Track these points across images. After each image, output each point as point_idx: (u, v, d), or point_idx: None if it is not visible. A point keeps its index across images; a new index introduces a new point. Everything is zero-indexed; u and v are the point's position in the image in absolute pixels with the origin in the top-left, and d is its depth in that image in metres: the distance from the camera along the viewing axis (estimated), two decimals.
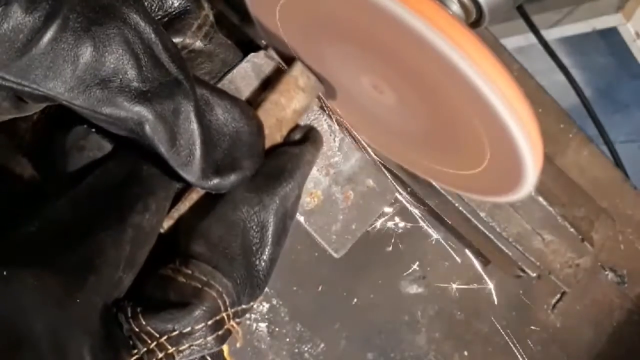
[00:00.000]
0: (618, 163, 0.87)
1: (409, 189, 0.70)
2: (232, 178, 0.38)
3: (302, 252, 0.69)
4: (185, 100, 0.35)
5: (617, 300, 0.83)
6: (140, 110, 0.33)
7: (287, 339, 0.68)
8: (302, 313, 0.69)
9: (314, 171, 0.50)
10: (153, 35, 0.34)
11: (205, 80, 0.41)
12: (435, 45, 0.30)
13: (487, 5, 0.41)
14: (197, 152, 0.36)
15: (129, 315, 0.34)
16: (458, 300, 0.75)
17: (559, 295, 0.79)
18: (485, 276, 0.76)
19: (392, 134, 0.47)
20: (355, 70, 0.41)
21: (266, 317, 0.67)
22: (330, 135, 0.50)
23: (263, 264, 0.40)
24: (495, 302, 0.77)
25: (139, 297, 0.35)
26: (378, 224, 0.71)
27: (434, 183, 0.56)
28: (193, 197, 0.41)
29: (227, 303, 0.37)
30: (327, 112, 0.51)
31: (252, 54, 0.48)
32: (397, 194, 0.55)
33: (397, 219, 0.73)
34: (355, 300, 0.71)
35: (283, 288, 0.68)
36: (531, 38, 0.94)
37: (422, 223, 0.73)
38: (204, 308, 0.35)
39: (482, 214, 0.58)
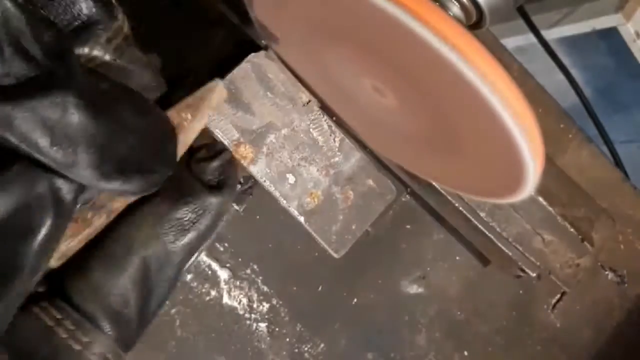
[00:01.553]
0: (618, 163, 0.87)
1: (409, 189, 0.70)
2: (139, 180, 0.34)
3: (302, 252, 0.69)
4: (62, 92, 0.31)
5: (617, 300, 0.83)
6: (4, 108, 0.29)
7: (287, 339, 0.68)
8: (302, 313, 0.69)
9: (314, 171, 0.50)
10: (24, 24, 0.30)
11: (110, 77, 0.37)
12: (433, 48, 0.30)
13: (487, 6, 0.41)
14: (83, 147, 0.31)
15: None
16: (458, 300, 0.75)
17: (559, 295, 0.79)
18: (485, 276, 0.76)
19: (394, 136, 0.47)
20: (355, 72, 0.41)
21: (266, 317, 0.67)
22: (330, 135, 0.50)
23: (151, 316, 0.38)
24: (495, 302, 0.77)
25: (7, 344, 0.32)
26: (378, 224, 0.72)
27: (434, 183, 0.56)
28: (83, 232, 0.37)
29: None
30: (327, 112, 0.51)
31: (252, 54, 0.48)
32: (397, 194, 0.55)
33: (397, 219, 0.73)
34: (355, 300, 0.71)
35: (283, 288, 0.68)
36: (531, 38, 0.93)
37: (422, 223, 0.73)
38: None
39: (482, 214, 0.58)
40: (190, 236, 0.39)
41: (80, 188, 0.33)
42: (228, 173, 0.44)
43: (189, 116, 0.42)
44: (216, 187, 0.42)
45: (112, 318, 0.36)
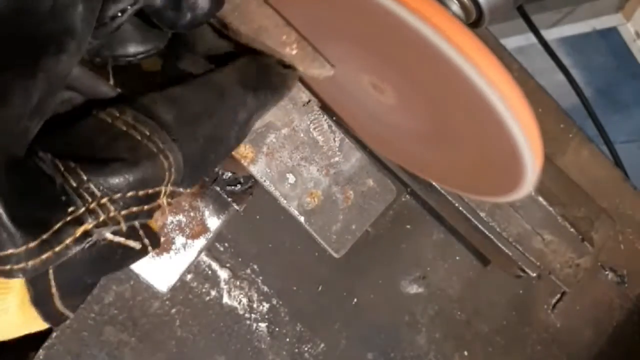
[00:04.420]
0: (618, 163, 0.87)
1: (409, 189, 0.70)
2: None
3: (302, 252, 0.69)
4: None
5: (617, 300, 0.83)
6: None
7: (287, 339, 0.68)
8: (302, 313, 0.69)
9: (314, 171, 0.50)
10: None
11: None
12: (434, 45, 0.30)
13: (487, 5, 0.41)
14: None
15: (62, 168, 0.29)
16: (458, 300, 0.75)
17: (559, 295, 0.79)
18: (485, 276, 0.76)
19: (393, 135, 0.47)
20: (354, 69, 0.41)
21: (266, 317, 0.67)
22: (330, 135, 0.50)
23: (218, 159, 0.37)
24: (495, 302, 0.77)
25: (69, 147, 0.30)
26: (378, 224, 0.72)
27: (434, 183, 0.56)
28: None
29: (172, 179, 0.33)
30: (327, 112, 0.51)
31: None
32: (397, 194, 0.55)
33: (397, 219, 0.73)
34: (355, 300, 0.71)
35: (283, 288, 0.68)
36: (531, 38, 0.93)
37: (422, 223, 0.73)
38: (153, 173, 0.32)
39: (482, 214, 0.58)
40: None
41: None
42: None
43: (293, 51, 0.42)
44: None
45: (185, 130, 0.34)
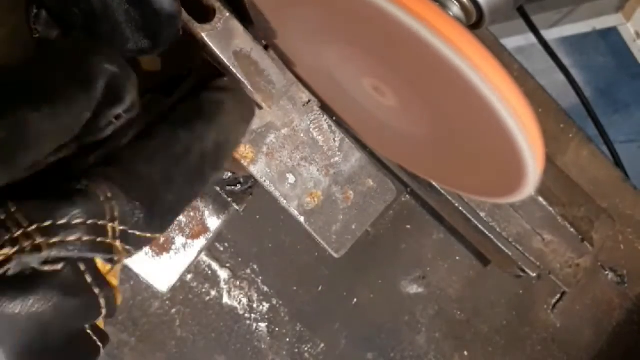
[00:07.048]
0: (618, 163, 0.87)
1: (409, 189, 0.70)
2: None
3: (302, 252, 0.69)
4: None
5: (617, 300, 0.83)
6: None
7: (287, 339, 0.68)
8: (302, 313, 0.69)
9: (314, 171, 0.50)
10: None
11: None
12: (433, 47, 0.30)
13: (488, 7, 0.41)
14: None
15: None
16: (458, 300, 0.75)
17: (559, 295, 0.79)
18: (485, 276, 0.76)
19: (393, 136, 0.47)
20: (355, 72, 0.41)
21: (266, 317, 0.67)
22: (330, 135, 0.50)
23: (171, 197, 0.36)
24: (495, 302, 0.77)
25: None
26: (378, 224, 0.72)
27: (434, 183, 0.56)
28: None
29: (115, 214, 0.32)
30: (327, 112, 0.51)
31: None
32: (397, 194, 0.55)
33: (397, 219, 0.73)
34: (355, 300, 0.71)
35: (283, 288, 0.68)
36: (531, 38, 0.93)
37: (422, 223, 0.73)
38: (88, 206, 0.31)
39: (482, 214, 0.58)
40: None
41: None
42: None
43: None
44: None
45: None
